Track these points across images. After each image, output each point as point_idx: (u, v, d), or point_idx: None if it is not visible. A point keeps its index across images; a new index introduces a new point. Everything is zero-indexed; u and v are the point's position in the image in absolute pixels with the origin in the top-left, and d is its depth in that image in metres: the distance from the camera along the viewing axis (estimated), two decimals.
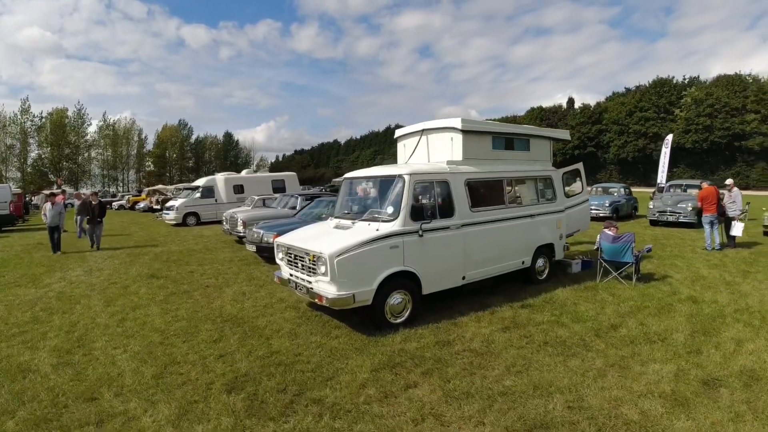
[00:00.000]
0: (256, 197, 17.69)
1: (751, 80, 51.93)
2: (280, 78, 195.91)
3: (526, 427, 3.70)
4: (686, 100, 55.19)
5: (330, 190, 28.98)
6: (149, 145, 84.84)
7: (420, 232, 6.14)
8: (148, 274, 10.10)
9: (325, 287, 5.75)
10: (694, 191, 16.79)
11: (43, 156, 68.12)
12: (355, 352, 5.27)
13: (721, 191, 11.73)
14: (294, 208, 14.41)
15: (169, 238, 16.60)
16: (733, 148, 51.13)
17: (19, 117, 65.80)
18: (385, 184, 6.71)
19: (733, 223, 11.05)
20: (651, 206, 16.62)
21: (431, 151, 7.66)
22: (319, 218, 11.02)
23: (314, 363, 4.99)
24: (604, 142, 63.01)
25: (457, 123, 7.15)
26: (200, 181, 23.56)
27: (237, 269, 10.35)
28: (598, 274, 8.42)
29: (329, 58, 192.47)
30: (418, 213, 6.18)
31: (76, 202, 17.33)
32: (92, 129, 75.32)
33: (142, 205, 33.49)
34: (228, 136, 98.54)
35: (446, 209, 6.64)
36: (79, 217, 16.91)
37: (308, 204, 13.34)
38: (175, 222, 21.18)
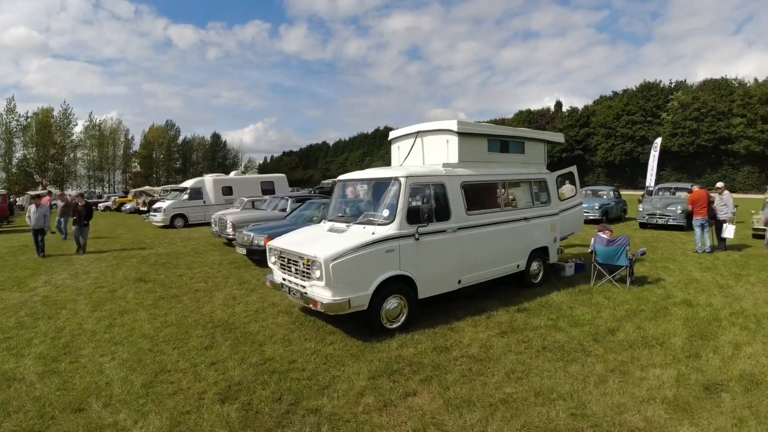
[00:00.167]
0: (246, 199, 17.46)
1: (737, 84, 52.70)
2: (268, 79, 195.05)
3: None
4: (673, 104, 55.79)
5: (319, 192, 28.80)
6: (136, 146, 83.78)
7: (416, 236, 6.05)
8: (135, 277, 9.88)
9: (320, 292, 5.63)
10: (683, 194, 16.94)
11: (28, 156, 66.86)
12: (351, 358, 5.15)
13: (711, 194, 11.80)
14: (284, 210, 14.24)
15: (157, 241, 16.33)
16: (719, 152, 51.79)
17: (5, 117, 64.46)
18: (380, 186, 6.60)
19: (724, 225, 11.10)
20: (641, 209, 16.70)
21: (426, 154, 7.57)
22: (310, 221, 10.89)
23: (309, 370, 4.86)
24: (591, 145, 63.50)
25: (452, 125, 7.07)
26: (188, 183, 23.23)
27: (227, 273, 10.18)
28: (592, 278, 8.39)
29: (318, 59, 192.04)
30: (414, 216, 6.09)
31: (60, 204, 16.87)
32: (78, 129, 74.03)
33: (128, 206, 32.99)
34: (216, 137, 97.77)
35: (442, 212, 6.55)
36: (62, 219, 16.57)
37: (299, 206, 13.18)
38: (162, 224, 20.86)
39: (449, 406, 4.07)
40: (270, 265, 6.94)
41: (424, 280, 6.23)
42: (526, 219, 7.96)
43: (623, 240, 8.10)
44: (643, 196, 19.58)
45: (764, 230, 11.88)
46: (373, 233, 5.86)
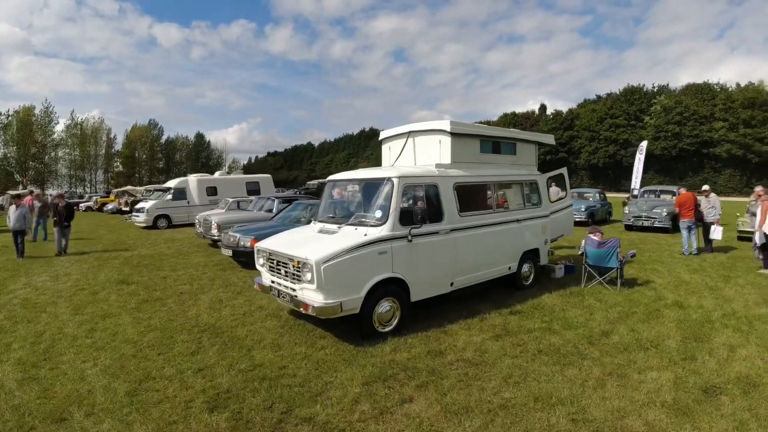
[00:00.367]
0: (231, 199, 17.20)
1: (719, 89, 53.46)
2: (253, 79, 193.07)
3: None
4: (656, 107, 56.45)
5: (305, 192, 28.55)
6: (118, 145, 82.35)
7: (409, 237, 5.93)
8: (118, 279, 9.60)
9: (311, 295, 5.47)
10: (668, 197, 17.13)
11: (9, 155, 65.40)
12: (343, 363, 5.01)
13: (697, 197, 11.90)
14: (270, 211, 14.01)
15: (140, 242, 15.97)
16: (701, 155, 52.51)
17: None
18: (372, 187, 6.47)
19: (713, 227, 11.18)
20: (626, 211, 16.82)
21: (418, 154, 7.47)
22: (298, 222, 10.72)
23: (301, 377, 4.70)
24: (575, 148, 64.02)
25: (446, 125, 6.97)
26: (172, 183, 22.80)
27: (212, 275, 9.95)
28: (582, 280, 8.36)
29: (303, 60, 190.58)
30: (406, 217, 5.98)
31: (36, 204, 16.30)
32: (59, 128, 72.43)
33: (110, 206, 32.36)
34: (199, 137, 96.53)
35: (435, 214, 6.44)
36: (41, 220, 16.11)
37: (286, 207, 12.99)
38: (145, 224, 20.43)
39: (447, 412, 3.95)
40: (258, 267, 6.77)
41: (416, 283, 6.12)
42: (518, 221, 7.90)
43: (614, 242, 8.08)
44: (628, 198, 19.73)
45: (751, 233, 11.95)
46: (365, 234, 5.73)
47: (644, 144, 23.78)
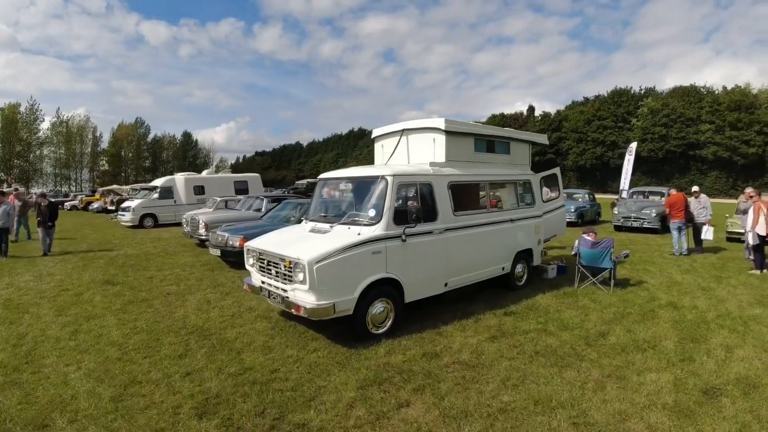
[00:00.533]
0: (218, 198, 16.95)
1: (705, 92, 54.12)
2: (242, 79, 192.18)
3: None
4: (643, 110, 56.99)
5: (294, 192, 28.32)
6: (104, 144, 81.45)
7: (403, 237, 5.81)
8: (102, 279, 9.35)
9: (303, 296, 5.32)
10: (657, 198, 17.23)
11: None
12: (336, 366, 4.87)
13: (687, 198, 11.93)
14: (259, 210, 13.81)
15: (125, 241, 15.66)
16: (687, 157, 53.11)
17: None
18: (365, 185, 6.33)
19: (704, 228, 11.22)
20: (616, 212, 16.89)
21: (412, 153, 7.34)
22: (287, 221, 10.56)
23: (293, 381, 4.55)
24: (563, 149, 64.45)
25: (440, 123, 6.86)
26: (158, 181, 22.43)
27: (200, 275, 9.74)
28: (576, 280, 8.31)
29: (292, 59, 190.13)
30: (401, 216, 5.85)
31: (17, 203, 15.87)
32: (45, 126, 71.58)
33: (95, 205, 31.80)
34: (187, 135, 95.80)
35: (429, 213, 6.32)
36: (22, 219, 15.70)
37: (275, 206, 12.81)
38: (131, 224, 20.06)
39: (446, 417, 3.83)
40: (248, 267, 6.60)
41: (411, 283, 5.99)
42: (511, 221, 7.82)
43: (608, 242, 8.03)
44: (617, 199, 19.82)
45: (740, 233, 12.01)
46: (359, 234, 5.59)
47: (633, 145, 23.87)
